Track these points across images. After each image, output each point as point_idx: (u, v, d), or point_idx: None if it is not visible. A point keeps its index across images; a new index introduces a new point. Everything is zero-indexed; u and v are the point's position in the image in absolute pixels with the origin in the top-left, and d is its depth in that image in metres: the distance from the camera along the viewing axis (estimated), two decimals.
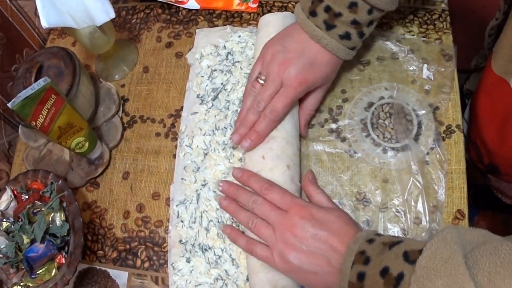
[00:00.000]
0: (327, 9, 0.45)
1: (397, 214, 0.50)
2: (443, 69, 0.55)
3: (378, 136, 0.53)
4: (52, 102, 0.49)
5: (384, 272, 0.35)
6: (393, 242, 0.37)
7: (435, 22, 0.57)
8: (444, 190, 0.51)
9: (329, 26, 0.45)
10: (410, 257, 0.35)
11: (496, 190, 0.66)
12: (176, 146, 0.55)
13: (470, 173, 0.53)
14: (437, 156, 0.52)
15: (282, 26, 0.51)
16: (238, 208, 0.47)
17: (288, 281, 0.44)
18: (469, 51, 0.67)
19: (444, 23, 0.57)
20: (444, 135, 0.53)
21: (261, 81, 0.47)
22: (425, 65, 0.55)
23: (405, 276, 0.34)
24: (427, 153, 0.52)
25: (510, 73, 0.49)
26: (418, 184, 0.51)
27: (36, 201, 0.55)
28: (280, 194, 0.44)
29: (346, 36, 0.45)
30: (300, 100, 0.51)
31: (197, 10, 0.61)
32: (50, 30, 0.66)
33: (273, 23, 0.52)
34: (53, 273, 0.52)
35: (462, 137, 0.53)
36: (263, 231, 0.43)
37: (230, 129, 0.53)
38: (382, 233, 0.40)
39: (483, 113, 0.58)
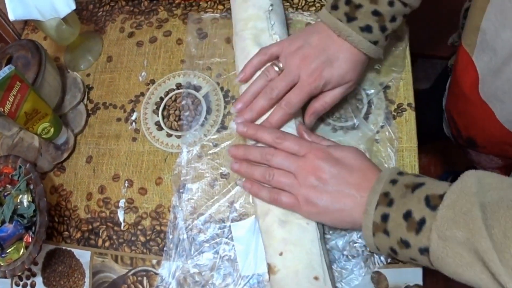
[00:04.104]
0: (348, 1, 0.46)
1: None
2: (393, 48, 0.55)
3: (327, 115, 0.54)
4: (17, 88, 0.53)
5: (407, 215, 0.37)
6: (415, 185, 0.38)
7: None
8: None
9: (350, 19, 0.45)
10: (431, 202, 0.36)
11: (477, 164, 0.66)
12: (134, 130, 0.58)
13: (448, 158, 0.53)
14: (387, 134, 0.52)
15: None
16: (251, 166, 0.46)
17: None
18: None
19: None
20: (395, 114, 0.53)
21: (277, 69, 0.47)
22: None
23: (426, 221, 0.35)
24: (377, 132, 0.52)
25: (473, 46, 0.49)
26: None
27: (7, 185, 0.58)
28: (295, 140, 0.44)
29: (366, 29, 0.45)
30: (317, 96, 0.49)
31: (157, 0, 0.64)
32: (25, 26, 0.69)
33: None
34: (21, 252, 0.55)
35: (414, 115, 0.53)
36: (284, 179, 0.43)
37: None
38: (403, 170, 0.41)
39: (458, 86, 0.58)
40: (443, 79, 0.69)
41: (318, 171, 0.42)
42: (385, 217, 0.38)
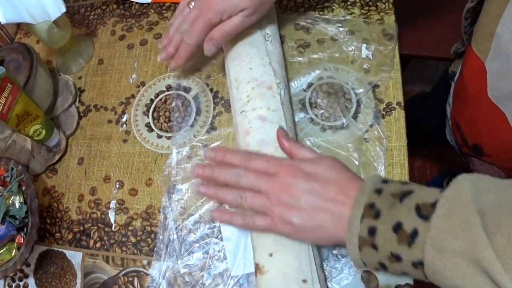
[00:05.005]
0: None
1: None
2: (382, 48, 0.55)
3: (316, 115, 0.54)
4: (8, 90, 0.53)
5: (397, 227, 0.34)
6: (403, 193, 0.36)
7: (377, 4, 0.58)
8: (384, 167, 0.51)
9: None
10: (423, 212, 0.33)
11: (479, 173, 0.66)
12: (125, 132, 0.58)
13: (444, 160, 0.52)
14: (376, 133, 0.52)
15: None
16: (220, 188, 0.43)
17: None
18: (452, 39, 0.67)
19: (387, 3, 0.58)
20: (384, 113, 0.53)
21: (191, 7, 0.52)
22: (364, 45, 0.56)
23: (419, 233, 0.33)
24: (366, 131, 0.52)
25: (486, 52, 0.48)
26: (355, 161, 0.51)
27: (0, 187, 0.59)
28: (264, 159, 0.42)
29: None
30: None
31: (148, 3, 0.64)
32: (17, 30, 0.70)
33: None
34: (13, 253, 0.56)
35: (403, 114, 0.53)
36: (256, 201, 0.41)
37: None
38: (387, 178, 0.39)
39: (466, 91, 0.57)
40: (444, 85, 0.68)
41: (290, 188, 0.40)
42: (372, 231, 0.35)
